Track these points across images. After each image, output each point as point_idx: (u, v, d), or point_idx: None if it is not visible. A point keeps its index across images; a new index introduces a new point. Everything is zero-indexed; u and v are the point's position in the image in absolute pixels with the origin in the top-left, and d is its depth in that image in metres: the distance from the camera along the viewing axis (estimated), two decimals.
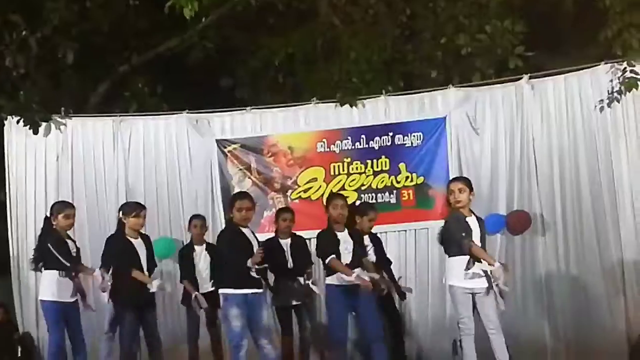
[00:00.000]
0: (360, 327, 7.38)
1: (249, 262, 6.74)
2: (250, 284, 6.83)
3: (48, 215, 7.71)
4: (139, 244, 7.58)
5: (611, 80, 8.45)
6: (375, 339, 7.09)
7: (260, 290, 6.99)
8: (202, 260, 8.42)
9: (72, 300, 7.51)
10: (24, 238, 9.48)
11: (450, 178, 8.65)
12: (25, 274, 9.38)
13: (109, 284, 7.41)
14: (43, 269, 7.52)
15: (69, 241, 7.59)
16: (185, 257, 8.47)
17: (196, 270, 8.36)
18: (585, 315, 8.38)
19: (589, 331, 8.30)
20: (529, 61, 9.10)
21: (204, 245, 8.48)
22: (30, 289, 9.32)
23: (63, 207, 7.66)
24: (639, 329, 8.08)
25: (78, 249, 7.71)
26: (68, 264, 7.41)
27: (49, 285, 7.43)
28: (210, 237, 8.78)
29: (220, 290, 6.93)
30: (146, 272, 7.52)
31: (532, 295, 8.67)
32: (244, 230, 6.94)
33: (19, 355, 9.28)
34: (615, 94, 8.39)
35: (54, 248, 7.40)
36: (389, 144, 9.19)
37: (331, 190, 8.98)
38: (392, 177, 9.13)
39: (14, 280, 9.46)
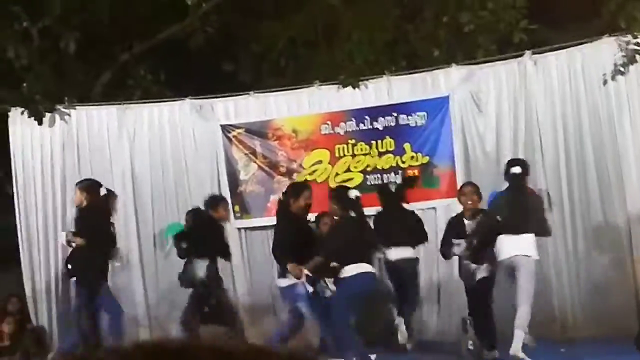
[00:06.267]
0: None
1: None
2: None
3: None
4: None
5: (615, 54, 8.41)
6: None
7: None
8: None
9: None
10: (34, 228, 9.55)
11: (456, 156, 8.81)
12: (36, 264, 9.47)
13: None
14: None
15: None
16: None
17: None
18: (593, 284, 8.40)
19: (597, 299, 8.32)
20: (532, 36, 9.06)
21: None
22: (42, 280, 9.38)
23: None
24: None
25: None
26: None
27: None
28: None
29: (285, 283, 7.02)
30: None
31: (539, 269, 8.67)
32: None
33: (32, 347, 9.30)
34: (619, 67, 8.35)
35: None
36: (393, 124, 9.18)
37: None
38: (397, 158, 9.13)
39: (25, 272, 9.51)
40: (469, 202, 7.49)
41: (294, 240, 6.95)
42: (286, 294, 7.13)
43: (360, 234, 7.10)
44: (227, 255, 8.28)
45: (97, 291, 7.67)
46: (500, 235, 7.05)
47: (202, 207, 8.20)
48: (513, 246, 6.98)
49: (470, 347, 7.49)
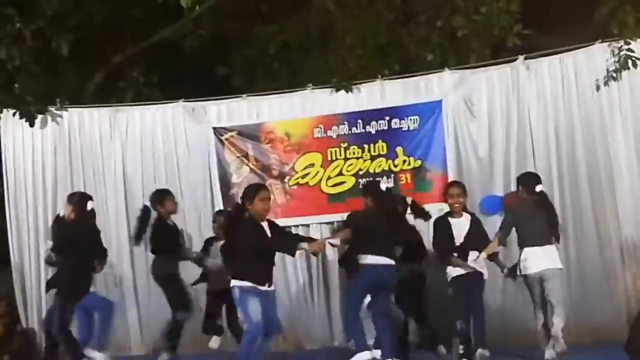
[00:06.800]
0: None
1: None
2: (269, 281, 6.73)
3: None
4: None
5: (607, 60, 8.42)
6: None
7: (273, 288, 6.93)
8: None
9: None
10: (25, 230, 9.54)
11: (448, 160, 8.80)
12: (27, 267, 9.43)
13: None
14: None
15: None
16: None
17: None
18: (584, 293, 8.38)
19: (588, 309, 8.30)
20: (525, 41, 9.08)
21: None
22: (32, 282, 9.35)
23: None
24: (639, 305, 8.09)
25: None
26: None
27: None
28: (208, 226, 8.79)
29: (240, 283, 6.65)
30: None
31: None
32: (263, 224, 6.78)
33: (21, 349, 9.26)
34: (612, 73, 8.37)
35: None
36: (385, 128, 9.17)
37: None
38: (390, 161, 9.12)
39: (15, 274, 9.48)
40: (456, 205, 7.48)
41: (252, 243, 6.77)
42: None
43: (388, 226, 7.01)
44: (177, 253, 8.01)
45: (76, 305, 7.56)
46: (527, 248, 7.11)
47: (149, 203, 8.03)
48: (541, 260, 7.04)
49: (462, 352, 7.47)
